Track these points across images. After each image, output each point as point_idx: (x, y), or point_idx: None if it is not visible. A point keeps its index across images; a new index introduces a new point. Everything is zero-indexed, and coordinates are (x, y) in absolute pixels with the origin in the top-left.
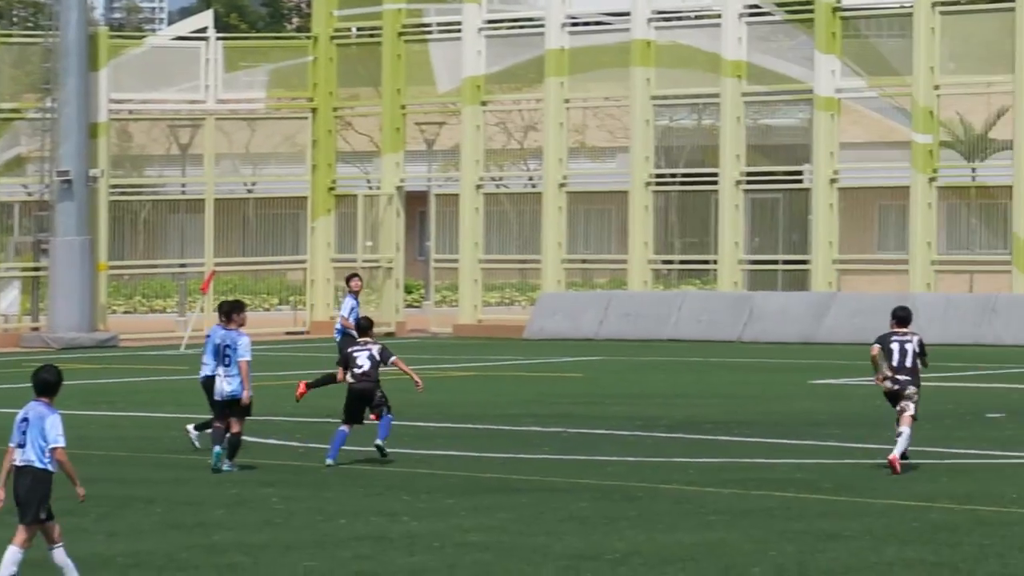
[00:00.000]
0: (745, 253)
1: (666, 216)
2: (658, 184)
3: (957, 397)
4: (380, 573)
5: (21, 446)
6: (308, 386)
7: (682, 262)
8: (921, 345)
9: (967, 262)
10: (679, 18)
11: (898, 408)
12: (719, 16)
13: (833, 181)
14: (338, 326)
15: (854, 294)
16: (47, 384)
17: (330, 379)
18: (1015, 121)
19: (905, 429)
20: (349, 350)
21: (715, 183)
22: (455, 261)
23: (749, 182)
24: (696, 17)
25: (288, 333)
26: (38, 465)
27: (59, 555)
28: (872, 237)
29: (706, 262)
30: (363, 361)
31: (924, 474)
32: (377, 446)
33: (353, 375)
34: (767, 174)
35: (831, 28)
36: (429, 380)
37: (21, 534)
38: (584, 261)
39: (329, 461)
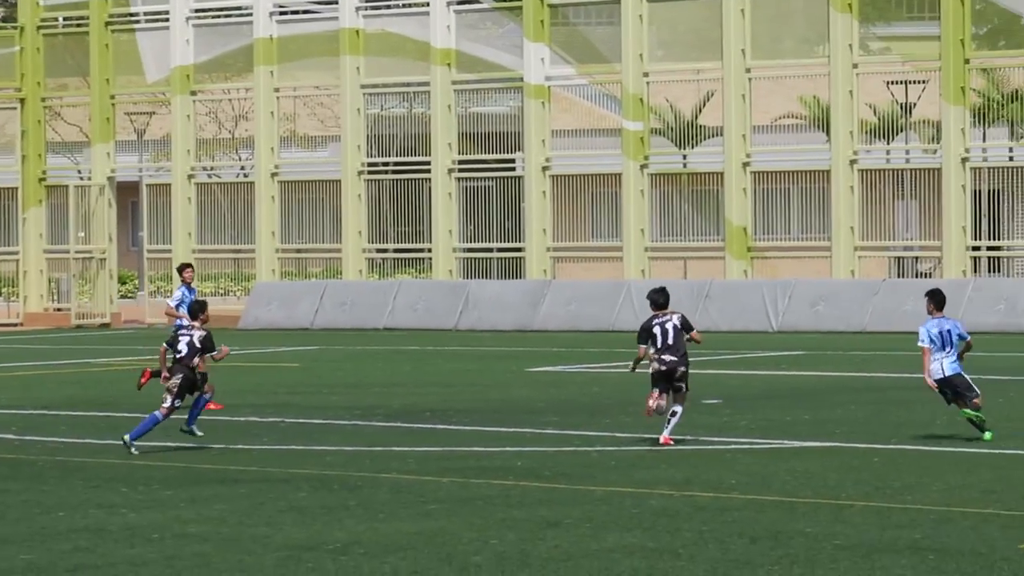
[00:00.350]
0: (459, 241)
1: (379, 205)
2: (371, 173)
3: None
4: (99, 565)
5: None
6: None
7: (397, 251)
8: (683, 321)
9: (680, 248)
10: (388, 7)
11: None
12: (427, 4)
13: (545, 169)
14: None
15: (569, 282)
16: None
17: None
18: (724, 107)
19: (678, 408)
20: (176, 333)
21: (428, 172)
22: (168, 251)
23: (461, 170)
24: (404, 5)
25: (0, 325)
26: None
27: None
28: (586, 224)
29: (421, 251)
30: (182, 347)
31: (643, 461)
32: (184, 430)
33: (174, 359)
34: (479, 162)
35: (539, 16)
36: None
37: None
38: (299, 251)
39: (131, 441)
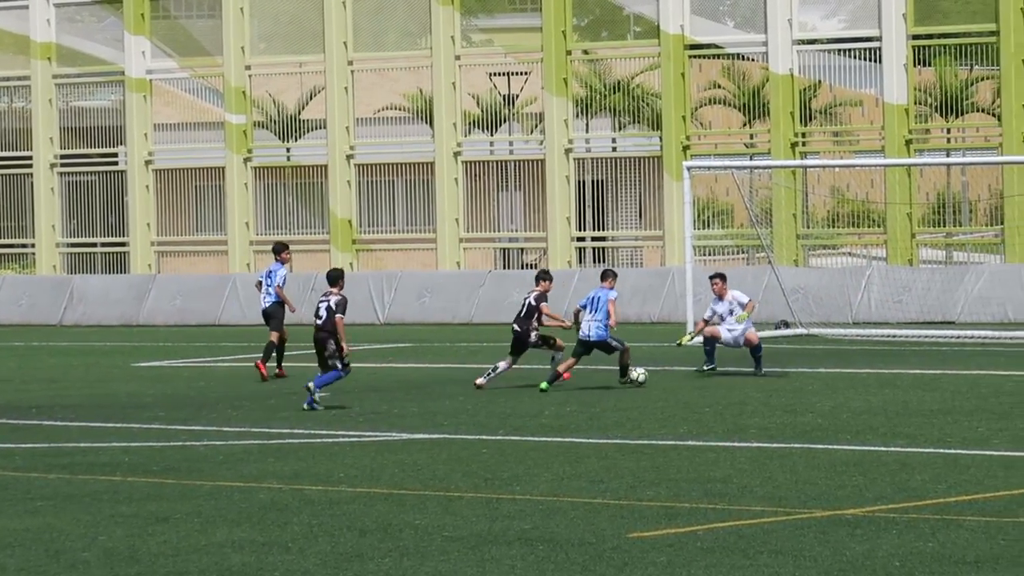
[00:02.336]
0: (63, 236)
1: None
2: None
3: (279, 377)
4: None
5: None
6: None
7: (0, 246)
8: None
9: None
10: None
11: None
12: None
13: (148, 163)
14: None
15: (174, 276)
16: None
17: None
18: (327, 101)
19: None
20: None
21: (29, 166)
22: None
23: (64, 165)
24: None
25: None
26: None
27: None
28: (191, 218)
29: (24, 246)
30: (323, 312)
31: (251, 455)
32: (309, 391)
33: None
34: (82, 156)
35: (140, 10)
36: None
37: None
38: None
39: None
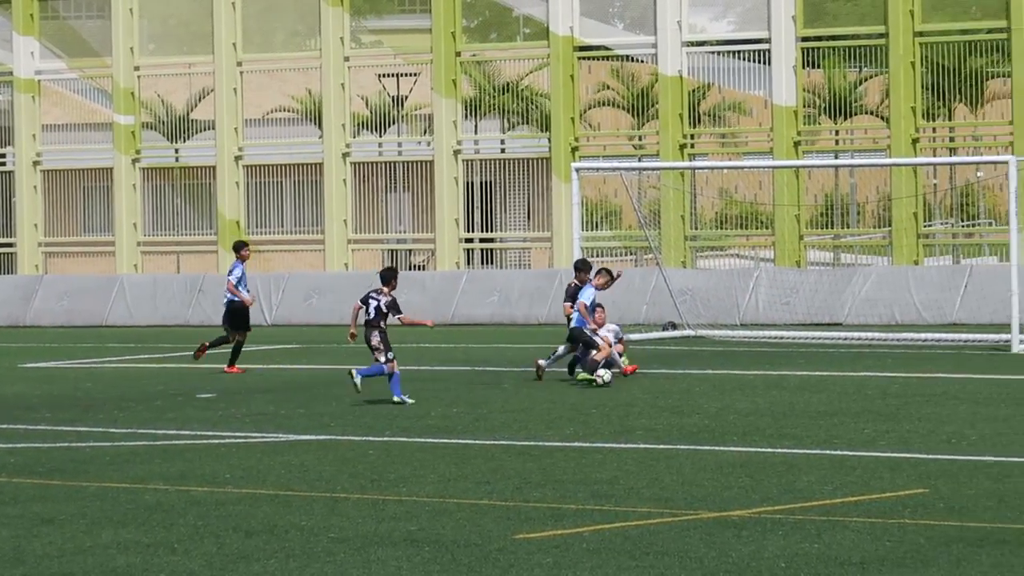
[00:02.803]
0: None
1: None
2: None
3: (168, 378)
4: None
5: None
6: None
7: None
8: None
9: (174, 243)
10: None
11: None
12: None
13: (36, 163)
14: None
15: (61, 276)
16: None
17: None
18: (216, 102)
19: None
20: (367, 294)
21: None
22: None
23: None
24: None
25: None
26: None
27: None
28: (78, 219)
29: None
30: (371, 310)
31: (137, 456)
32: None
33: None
34: None
35: (29, 10)
36: None
37: None
38: None
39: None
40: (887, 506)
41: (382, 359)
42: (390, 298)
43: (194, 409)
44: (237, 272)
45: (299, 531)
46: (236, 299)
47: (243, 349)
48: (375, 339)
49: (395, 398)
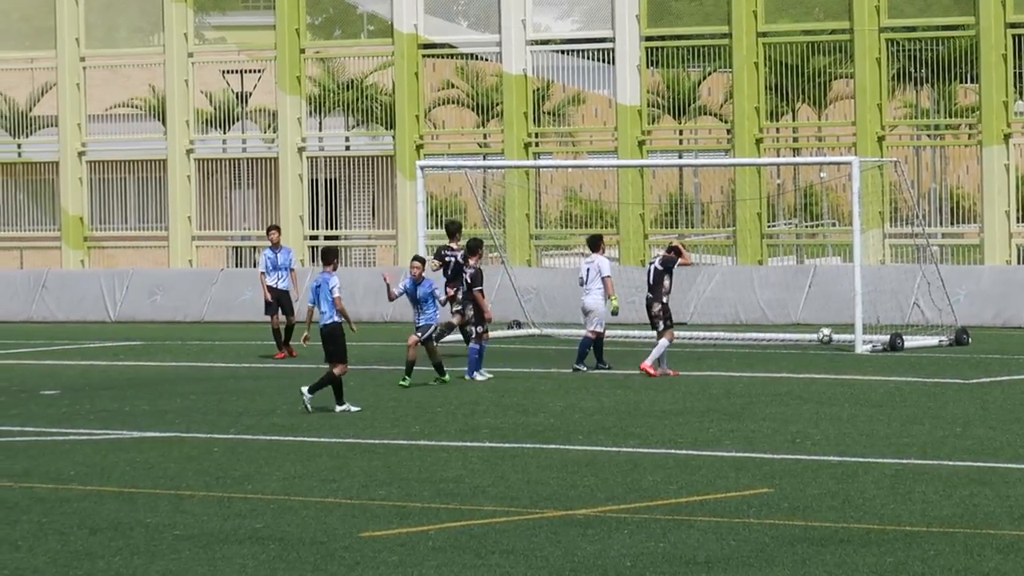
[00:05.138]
0: None
1: None
2: None
3: (10, 375)
4: None
5: None
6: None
7: None
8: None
9: (17, 239)
10: None
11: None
12: None
13: None
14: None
15: None
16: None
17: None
18: (59, 97)
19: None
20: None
21: None
22: None
23: None
24: None
25: None
26: None
27: None
28: None
29: None
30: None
31: None
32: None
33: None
34: None
35: None
36: None
37: None
38: None
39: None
40: (732, 505)
41: (475, 332)
42: (475, 269)
43: (38, 406)
44: (263, 260)
45: (144, 528)
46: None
47: (91, 346)
48: (468, 313)
49: (478, 376)
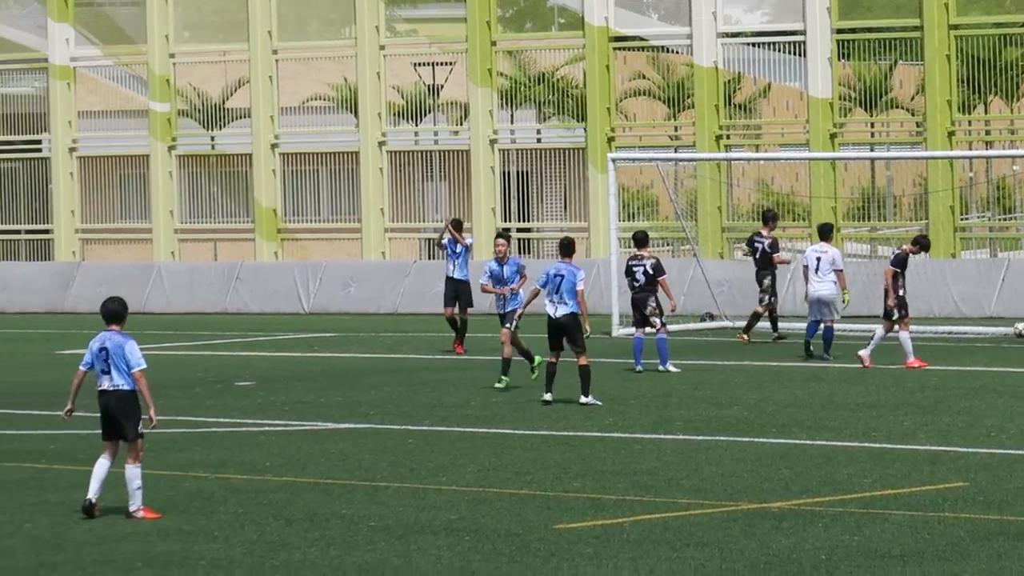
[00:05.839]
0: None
1: None
2: None
3: (206, 366)
4: None
5: (105, 372)
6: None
7: None
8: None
9: (210, 230)
10: None
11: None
12: None
13: (72, 150)
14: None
15: (99, 263)
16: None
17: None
18: (252, 90)
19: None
20: (629, 264)
21: None
22: None
23: None
24: None
25: None
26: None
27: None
28: (115, 206)
29: None
30: (640, 275)
31: (177, 444)
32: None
33: (631, 287)
34: (5, 143)
35: None
36: None
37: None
38: None
39: (639, 368)
40: (927, 499)
41: (658, 323)
42: (654, 259)
43: (233, 397)
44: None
45: (339, 519)
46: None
47: (285, 337)
48: (651, 304)
49: (661, 368)
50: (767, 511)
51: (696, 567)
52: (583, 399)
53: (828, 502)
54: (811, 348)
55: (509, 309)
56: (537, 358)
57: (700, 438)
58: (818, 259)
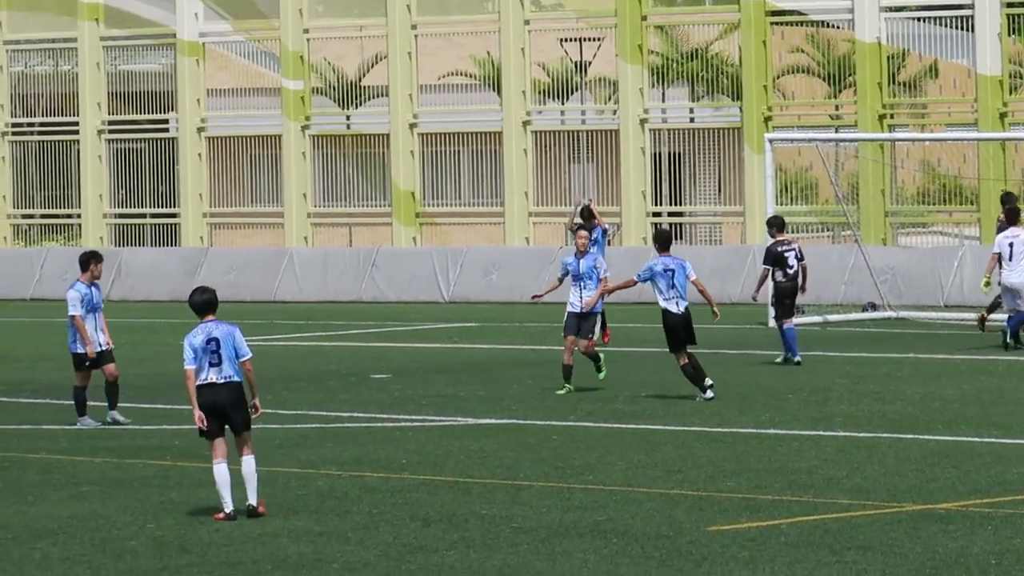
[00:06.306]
0: (110, 207)
1: (25, 168)
2: (15, 134)
3: (340, 357)
4: None
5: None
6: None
7: (44, 216)
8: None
9: (345, 214)
10: None
11: None
12: None
13: (201, 130)
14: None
15: (227, 249)
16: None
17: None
18: (389, 67)
19: None
20: (779, 250)
21: (76, 133)
22: None
23: (112, 131)
24: None
25: None
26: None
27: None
28: (245, 189)
29: (70, 216)
30: (792, 261)
31: (308, 440)
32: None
33: (784, 274)
34: (131, 123)
35: None
36: None
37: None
38: None
39: (798, 358)
40: None
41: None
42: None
43: (368, 390)
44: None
45: (480, 520)
46: None
47: (423, 327)
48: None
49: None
50: (933, 513)
51: (858, 572)
52: (710, 394)
53: (998, 503)
54: (1011, 339)
55: (587, 311)
56: (602, 355)
57: (862, 435)
58: (1010, 245)
